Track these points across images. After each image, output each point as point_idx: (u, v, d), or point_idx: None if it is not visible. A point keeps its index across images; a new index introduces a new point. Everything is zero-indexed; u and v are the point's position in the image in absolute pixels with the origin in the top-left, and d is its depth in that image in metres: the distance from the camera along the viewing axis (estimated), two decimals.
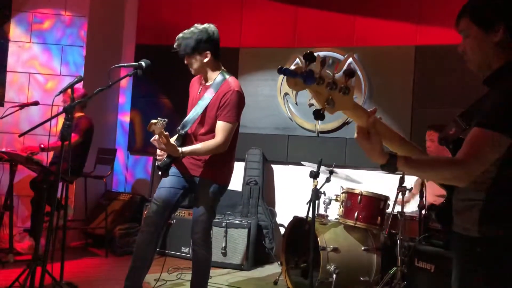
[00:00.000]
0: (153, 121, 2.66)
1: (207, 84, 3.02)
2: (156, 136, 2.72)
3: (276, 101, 5.45)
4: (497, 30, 1.51)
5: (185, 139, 3.01)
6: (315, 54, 1.37)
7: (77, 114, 4.60)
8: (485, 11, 1.54)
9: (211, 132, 2.94)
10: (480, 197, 1.50)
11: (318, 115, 1.42)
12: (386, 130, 1.57)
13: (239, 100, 2.92)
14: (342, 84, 1.43)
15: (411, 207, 4.16)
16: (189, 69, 3.03)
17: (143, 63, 2.90)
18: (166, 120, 2.68)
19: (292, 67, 1.38)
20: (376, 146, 1.45)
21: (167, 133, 2.72)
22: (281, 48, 5.43)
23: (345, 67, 5.12)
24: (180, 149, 2.81)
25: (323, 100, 1.42)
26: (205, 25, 2.96)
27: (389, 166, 1.44)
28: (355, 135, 1.49)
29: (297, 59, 5.31)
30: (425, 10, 4.98)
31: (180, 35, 2.96)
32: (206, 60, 2.95)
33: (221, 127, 2.88)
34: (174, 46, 2.97)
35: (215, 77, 2.99)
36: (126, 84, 6.04)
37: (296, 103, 5.37)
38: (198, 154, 2.92)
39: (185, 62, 2.99)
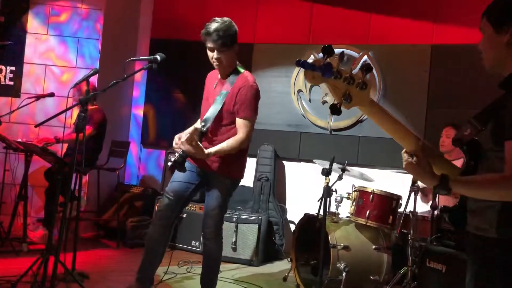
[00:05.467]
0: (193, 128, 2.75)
1: (223, 78, 3.02)
2: (182, 137, 2.73)
3: (289, 98, 5.44)
4: (506, 31, 1.53)
5: (202, 135, 3.01)
6: None
7: (90, 106, 4.63)
8: (499, 12, 1.57)
9: (228, 125, 2.96)
10: None
11: (335, 109, 1.41)
12: (435, 153, 1.60)
13: (255, 95, 2.94)
14: (359, 79, 1.42)
15: (426, 207, 4.13)
16: (214, 63, 2.91)
17: (158, 57, 2.91)
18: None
19: (310, 60, 1.37)
20: (426, 169, 1.50)
21: (196, 136, 2.75)
22: (296, 45, 5.41)
23: (360, 64, 5.08)
24: (206, 151, 2.78)
25: (340, 95, 1.41)
26: (225, 18, 2.88)
27: (442, 187, 1.47)
28: (404, 164, 1.53)
29: (312, 56, 5.28)
30: (442, 9, 4.91)
31: (214, 27, 2.79)
32: (235, 54, 2.96)
33: (241, 124, 2.90)
34: (208, 39, 2.82)
35: (231, 71, 2.99)
36: (140, 77, 6.07)
37: (310, 100, 5.36)
38: (223, 153, 2.88)
39: (216, 55, 2.86)
